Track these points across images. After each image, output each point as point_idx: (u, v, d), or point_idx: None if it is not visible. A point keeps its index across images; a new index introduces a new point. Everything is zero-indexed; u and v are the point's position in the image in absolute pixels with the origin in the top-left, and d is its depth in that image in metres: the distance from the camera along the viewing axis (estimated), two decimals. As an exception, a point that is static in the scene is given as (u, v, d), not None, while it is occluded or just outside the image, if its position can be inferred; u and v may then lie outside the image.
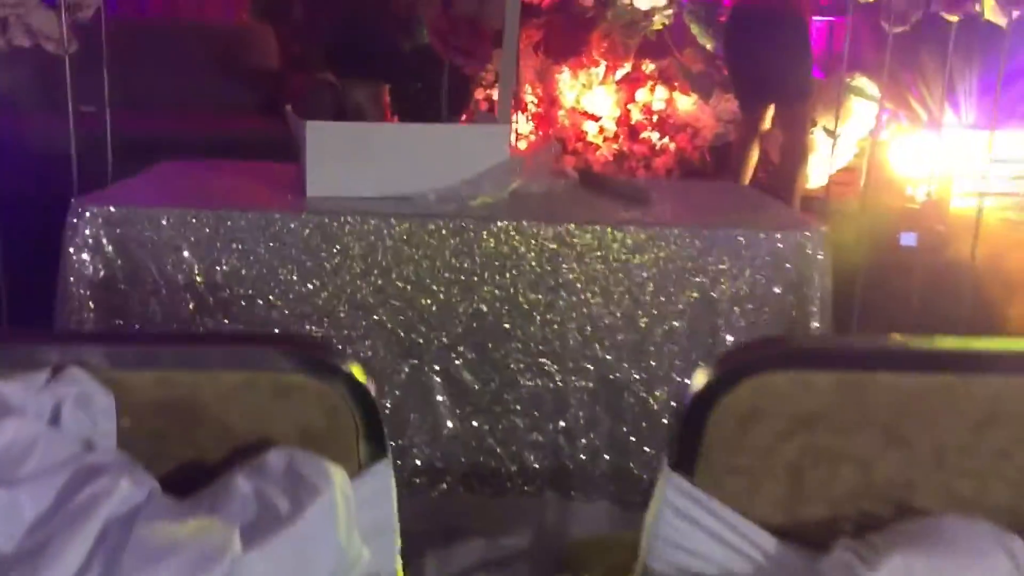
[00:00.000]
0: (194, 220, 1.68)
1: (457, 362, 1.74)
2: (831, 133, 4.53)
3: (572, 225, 1.71)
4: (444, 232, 1.71)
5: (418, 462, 1.77)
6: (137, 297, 1.69)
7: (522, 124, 5.37)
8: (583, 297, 1.73)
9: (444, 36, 3.05)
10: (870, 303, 2.82)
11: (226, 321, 1.70)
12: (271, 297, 1.71)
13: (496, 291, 1.73)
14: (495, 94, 4.92)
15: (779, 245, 1.73)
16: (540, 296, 1.73)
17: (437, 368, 1.74)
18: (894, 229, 3.87)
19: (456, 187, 1.83)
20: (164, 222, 1.68)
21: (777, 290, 1.74)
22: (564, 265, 1.72)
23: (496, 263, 1.72)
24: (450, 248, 1.71)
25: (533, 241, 1.71)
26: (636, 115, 5.43)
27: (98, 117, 4.50)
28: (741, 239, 1.72)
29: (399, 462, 1.77)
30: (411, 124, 1.85)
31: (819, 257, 1.74)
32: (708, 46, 5.10)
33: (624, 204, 1.94)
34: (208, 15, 5.67)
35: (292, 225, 1.70)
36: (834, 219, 4.12)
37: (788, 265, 1.73)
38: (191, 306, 1.70)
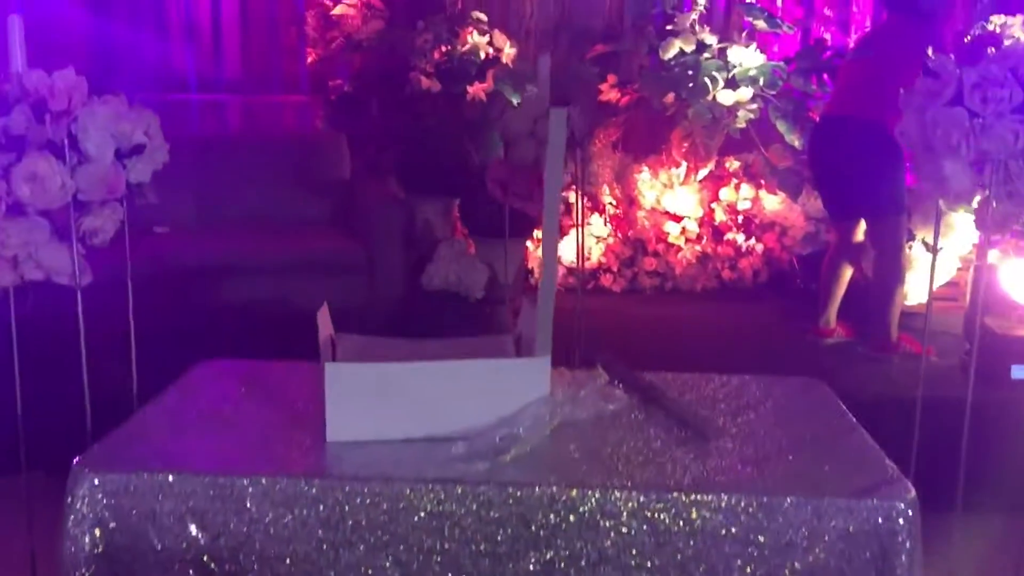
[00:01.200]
0: (200, 488, 1.54)
1: (488, 642, 1.55)
2: (931, 248, 4.20)
3: (615, 493, 1.51)
4: (470, 499, 1.53)
5: None
6: (138, 570, 1.56)
7: (599, 226, 5.18)
8: (628, 572, 1.52)
9: (503, 183, 2.90)
10: (977, 457, 2.47)
11: (234, 596, 1.55)
12: (281, 571, 1.55)
13: (530, 566, 1.53)
14: (571, 196, 4.76)
15: (857, 514, 1.49)
16: (579, 570, 1.53)
17: (466, 649, 1.56)
18: (1004, 359, 3.52)
19: (491, 431, 1.65)
20: (168, 488, 1.55)
21: (856, 567, 1.49)
22: (606, 537, 1.52)
23: (530, 533, 1.53)
24: (480, 518, 1.53)
25: (571, 510, 1.52)
26: (720, 215, 5.18)
27: (171, 239, 4.52)
28: (812, 509, 1.49)
29: None
30: (437, 363, 1.69)
31: (908, 529, 1.49)
32: (796, 143, 4.84)
33: (682, 434, 1.74)
34: (286, 124, 5.68)
35: (306, 490, 1.55)
36: (936, 341, 3.79)
37: (869, 539, 1.49)
38: (195, 578, 1.56)
